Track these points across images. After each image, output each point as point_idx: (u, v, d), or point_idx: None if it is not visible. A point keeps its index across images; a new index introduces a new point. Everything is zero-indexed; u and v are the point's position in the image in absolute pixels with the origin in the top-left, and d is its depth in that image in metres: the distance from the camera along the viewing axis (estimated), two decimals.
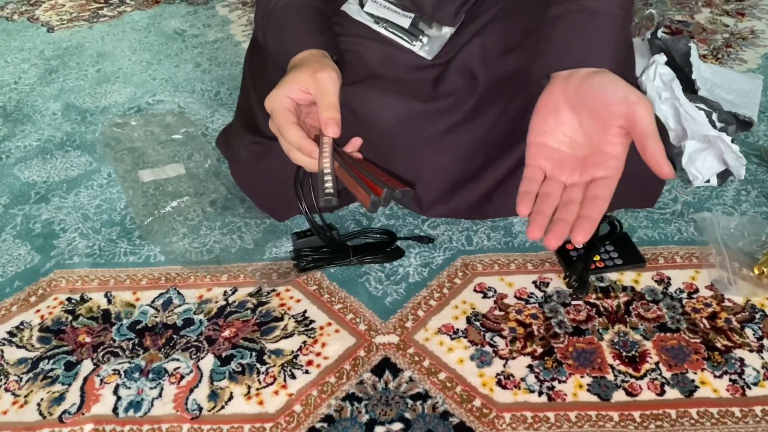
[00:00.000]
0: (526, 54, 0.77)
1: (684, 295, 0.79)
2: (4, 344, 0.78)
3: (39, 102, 1.33)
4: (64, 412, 0.70)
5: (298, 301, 0.81)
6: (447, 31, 0.85)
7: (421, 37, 0.84)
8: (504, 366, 0.72)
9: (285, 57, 0.76)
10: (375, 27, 0.85)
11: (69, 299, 0.84)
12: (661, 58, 1.00)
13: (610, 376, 0.70)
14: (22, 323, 0.81)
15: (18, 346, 0.78)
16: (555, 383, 0.70)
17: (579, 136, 0.64)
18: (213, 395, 0.71)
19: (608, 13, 0.66)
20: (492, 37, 0.84)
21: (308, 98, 0.71)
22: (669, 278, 0.82)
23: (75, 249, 0.92)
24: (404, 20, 0.84)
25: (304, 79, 0.70)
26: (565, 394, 0.68)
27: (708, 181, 0.96)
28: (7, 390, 0.73)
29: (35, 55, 1.55)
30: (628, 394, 0.68)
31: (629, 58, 0.91)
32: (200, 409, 0.69)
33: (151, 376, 0.73)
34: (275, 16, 0.78)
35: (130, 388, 0.72)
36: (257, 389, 0.71)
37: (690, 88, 1.06)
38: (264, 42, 0.83)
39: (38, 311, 0.83)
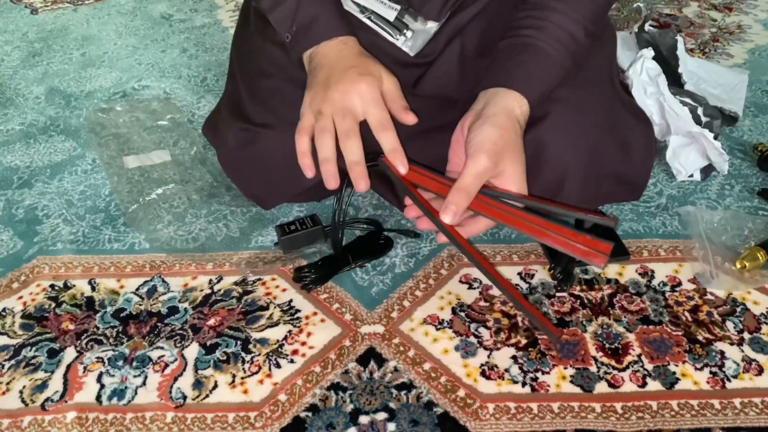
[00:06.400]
0: None
1: (667, 288, 0.80)
2: None
3: (22, 85, 1.31)
4: (47, 399, 0.70)
5: (284, 290, 0.81)
6: (432, 26, 0.84)
7: (405, 31, 0.83)
8: (488, 357, 0.72)
9: (314, 40, 0.76)
10: (360, 17, 0.84)
11: (52, 286, 0.83)
12: (649, 52, 1.00)
13: (593, 368, 0.71)
14: (4, 310, 0.80)
15: (0, 333, 0.77)
16: (538, 374, 0.70)
17: None
18: (197, 384, 0.71)
19: (536, 47, 0.73)
20: (472, 39, 0.83)
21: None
22: (653, 271, 0.82)
23: (58, 235, 0.92)
24: (390, 12, 0.83)
25: (375, 79, 0.72)
26: (549, 386, 0.69)
27: (692, 175, 0.97)
28: None
29: (18, 37, 1.53)
30: (611, 385, 0.69)
31: (603, 59, 0.91)
32: (184, 397, 0.69)
33: (135, 364, 0.73)
34: None
35: (113, 376, 0.72)
36: (242, 378, 0.71)
37: (676, 82, 1.07)
38: (270, 10, 0.80)
39: (21, 298, 0.82)
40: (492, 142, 0.65)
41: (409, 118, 0.71)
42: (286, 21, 0.78)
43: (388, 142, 0.71)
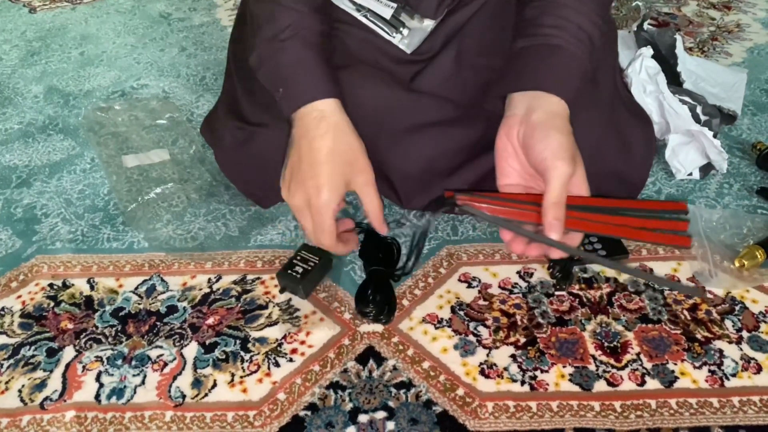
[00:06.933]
0: (503, 60, 0.78)
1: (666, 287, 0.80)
2: None
3: (21, 84, 1.31)
4: (46, 398, 0.70)
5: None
6: (428, 23, 0.84)
7: (401, 29, 0.83)
8: (487, 355, 0.72)
9: (293, 102, 0.73)
10: (356, 15, 0.84)
11: (51, 285, 0.83)
12: (648, 51, 1.01)
13: (592, 367, 0.71)
14: (3, 309, 0.80)
15: None
16: (537, 373, 0.70)
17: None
18: (196, 383, 0.71)
19: (566, 50, 0.70)
20: (470, 39, 0.83)
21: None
22: (651, 270, 0.82)
23: (57, 234, 0.92)
24: (386, 11, 0.83)
25: (345, 179, 0.71)
26: (547, 384, 0.69)
27: (690, 174, 0.97)
28: None
29: (17, 36, 1.53)
30: (609, 384, 0.69)
31: (606, 57, 0.90)
32: (183, 396, 0.69)
33: (134, 363, 0.73)
34: (284, 49, 0.74)
35: (112, 375, 0.72)
36: (241, 377, 0.71)
37: (675, 81, 1.07)
38: (257, 68, 0.80)
39: (19, 297, 0.82)
40: (565, 148, 0.64)
41: (383, 230, 0.73)
42: (270, 81, 0.76)
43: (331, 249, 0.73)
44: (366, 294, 0.77)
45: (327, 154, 0.71)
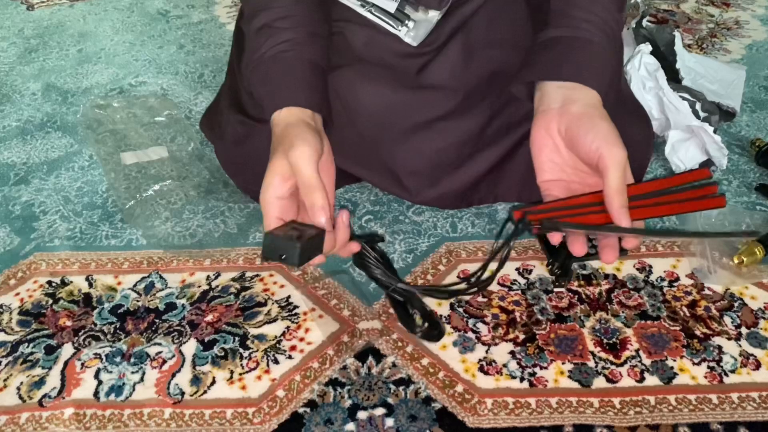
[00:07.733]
0: (512, 52, 0.77)
1: (665, 284, 0.80)
2: None
3: (18, 82, 1.31)
4: (45, 396, 0.69)
5: (282, 286, 0.81)
6: (433, 15, 0.84)
7: (406, 22, 0.83)
8: (486, 352, 0.72)
9: (268, 111, 0.72)
10: (360, 10, 0.84)
11: (49, 282, 0.83)
12: (647, 47, 1.01)
13: (591, 363, 0.71)
14: (1, 306, 0.80)
15: None
16: (536, 369, 0.70)
17: (581, 165, 0.68)
18: (195, 380, 0.71)
19: (598, 44, 0.70)
20: (477, 30, 0.83)
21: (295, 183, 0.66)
22: (650, 266, 0.82)
23: (56, 232, 0.91)
24: (390, 4, 0.83)
25: (281, 167, 0.64)
26: (547, 381, 0.69)
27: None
28: None
29: (14, 33, 1.52)
30: (609, 380, 0.69)
31: (618, 69, 0.90)
32: (182, 393, 0.69)
33: (132, 360, 0.73)
34: (262, 65, 0.74)
35: (111, 372, 0.72)
36: (240, 374, 0.71)
37: (674, 78, 1.07)
38: (251, 90, 0.80)
39: (18, 294, 0.82)
40: (615, 134, 0.63)
41: (318, 221, 0.63)
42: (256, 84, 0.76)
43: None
44: (410, 315, 0.73)
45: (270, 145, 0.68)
